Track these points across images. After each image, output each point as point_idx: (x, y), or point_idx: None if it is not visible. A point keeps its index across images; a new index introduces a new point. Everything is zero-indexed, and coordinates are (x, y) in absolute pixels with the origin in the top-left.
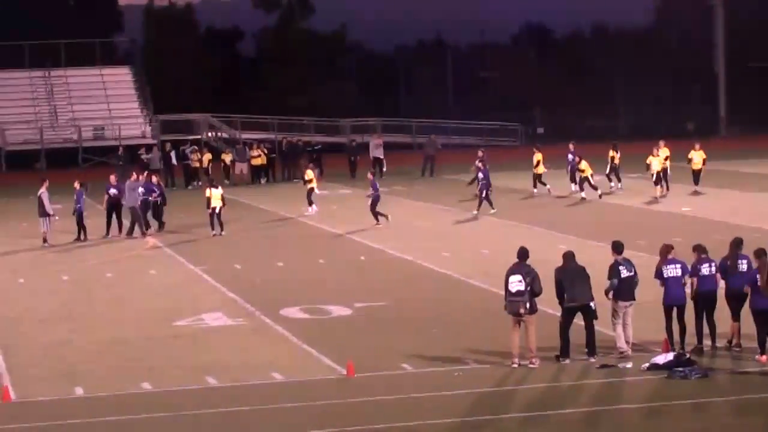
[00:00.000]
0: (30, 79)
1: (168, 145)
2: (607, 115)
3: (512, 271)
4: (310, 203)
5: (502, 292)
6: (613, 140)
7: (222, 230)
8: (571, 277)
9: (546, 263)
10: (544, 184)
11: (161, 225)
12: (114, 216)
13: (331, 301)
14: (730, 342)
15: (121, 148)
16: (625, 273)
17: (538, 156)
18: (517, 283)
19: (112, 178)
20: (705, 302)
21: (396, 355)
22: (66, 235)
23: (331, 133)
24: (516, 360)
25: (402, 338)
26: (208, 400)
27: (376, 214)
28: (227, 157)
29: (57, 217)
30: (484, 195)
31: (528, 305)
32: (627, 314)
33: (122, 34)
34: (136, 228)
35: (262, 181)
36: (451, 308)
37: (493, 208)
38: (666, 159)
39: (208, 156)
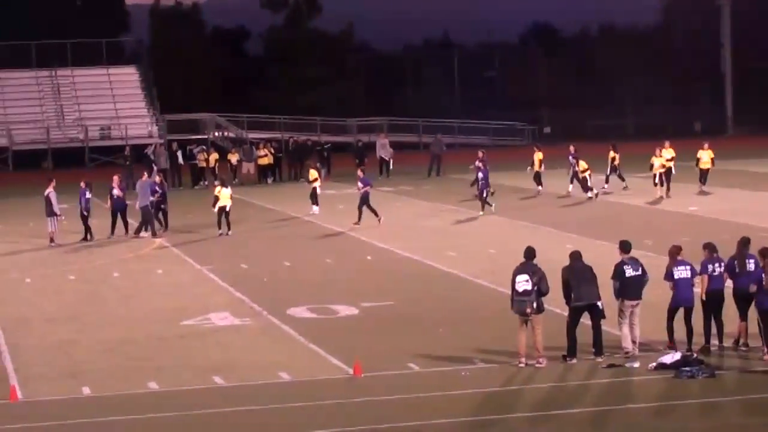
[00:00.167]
0: (37, 79)
1: (175, 145)
2: (614, 114)
3: (519, 270)
4: (315, 202)
5: (509, 292)
6: (613, 141)
7: (229, 230)
8: (578, 276)
9: (553, 263)
10: (540, 184)
11: (140, 228)
12: (119, 216)
13: (338, 301)
14: (737, 341)
15: (127, 148)
16: (630, 272)
17: (538, 155)
18: (523, 282)
19: (116, 179)
20: (713, 301)
21: (403, 355)
22: (73, 235)
23: (337, 132)
24: (523, 359)
25: (409, 338)
26: (215, 400)
27: (361, 212)
28: (233, 157)
29: (63, 217)
30: (484, 195)
31: (535, 305)
32: (634, 314)
33: (129, 34)
34: (145, 227)
35: (269, 180)
36: (458, 308)
37: (491, 207)
38: (671, 159)
39: (214, 156)
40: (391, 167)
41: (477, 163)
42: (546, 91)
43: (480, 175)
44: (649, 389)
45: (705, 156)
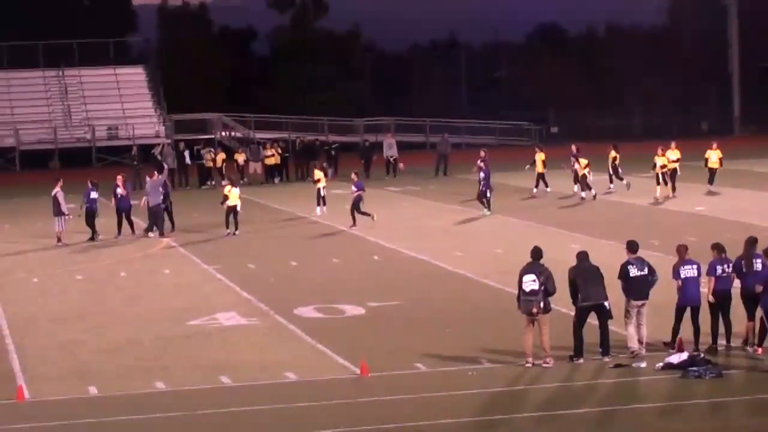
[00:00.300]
0: (44, 79)
1: (182, 145)
2: (621, 114)
3: (526, 270)
4: (318, 203)
5: (516, 292)
6: (613, 140)
7: (236, 230)
8: (584, 276)
9: (560, 263)
10: (537, 185)
11: (150, 227)
12: (124, 216)
13: (345, 301)
14: (745, 341)
15: (134, 148)
16: (634, 272)
17: (540, 156)
18: (530, 282)
19: (119, 179)
20: (720, 302)
21: (409, 355)
22: (80, 235)
23: (344, 132)
24: (530, 359)
25: (415, 338)
26: (221, 400)
27: (354, 215)
28: (240, 157)
29: (71, 216)
30: (487, 195)
31: (542, 305)
32: (640, 314)
33: (136, 34)
34: (155, 227)
35: (276, 180)
36: (464, 308)
37: (488, 210)
38: (676, 161)
39: (222, 155)
40: (397, 167)
41: (479, 162)
42: (553, 91)
43: (481, 175)
44: (656, 389)
45: (714, 156)
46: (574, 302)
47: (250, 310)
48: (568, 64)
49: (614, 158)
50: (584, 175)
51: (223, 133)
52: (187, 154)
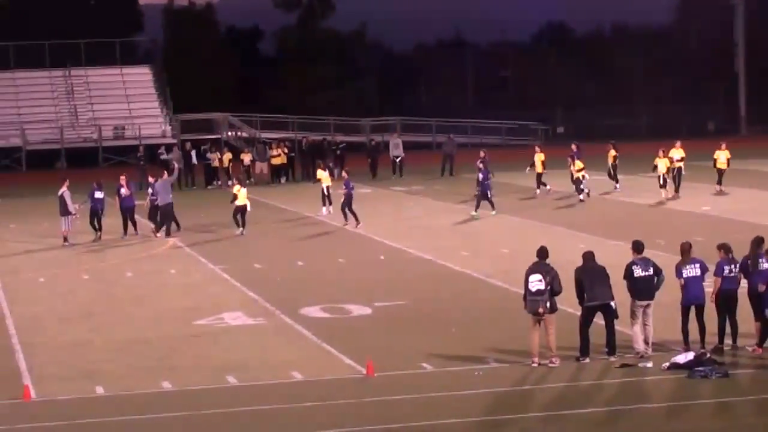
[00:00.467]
0: (50, 79)
1: (188, 145)
2: (628, 114)
3: (532, 270)
4: (324, 203)
5: (522, 292)
6: (612, 140)
7: (243, 230)
8: (591, 276)
9: (566, 263)
10: (539, 186)
11: (161, 227)
12: (128, 216)
13: (351, 301)
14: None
15: (141, 148)
16: (639, 272)
17: (540, 156)
18: (537, 282)
19: (122, 179)
20: (727, 302)
21: (416, 355)
22: (87, 235)
23: (350, 132)
24: (536, 359)
25: (422, 337)
26: (228, 400)
27: (345, 213)
28: (246, 157)
29: (78, 216)
30: (489, 195)
31: (548, 304)
32: (646, 314)
33: (142, 34)
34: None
35: (282, 180)
36: (470, 307)
37: (475, 212)
38: (681, 160)
39: (228, 155)
40: (402, 167)
41: (478, 163)
42: (559, 91)
43: (480, 175)
44: (662, 389)
45: (722, 156)
46: (581, 302)
47: (256, 310)
48: (575, 63)
49: (614, 158)
50: (577, 178)
51: (230, 133)
52: (193, 153)
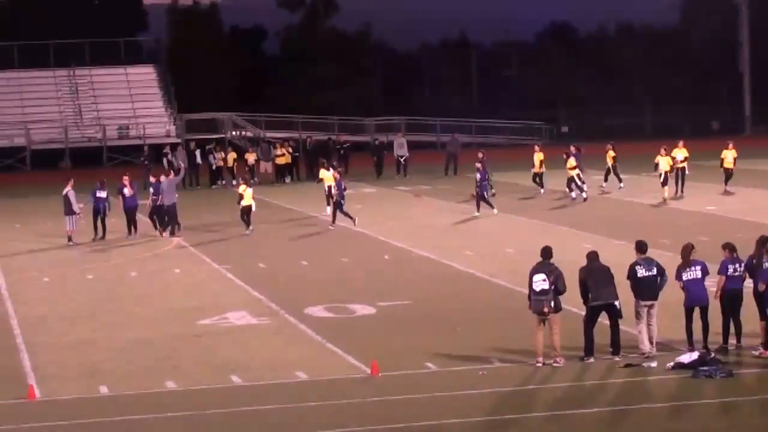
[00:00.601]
0: (55, 79)
1: (193, 144)
2: (632, 113)
3: (536, 269)
4: (329, 202)
5: (526, 291)
6: (611, 141)
7: (251, 228)
8: (595, 276)
9: (570, 263)
10: (538, 185)
11: (164, 227)
12: (131, 216)
13: (355, 300)
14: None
15: (146, 148)
16: (642, 273)
17: (539, 156)
18: (541, 281)
19: (126, 179)
20: (731, 301)
21: (420, 354)
22: (91, 235)
23: (355, 132)
24: (540, 359)
25: (426, 337)
26: (232, 399)
27: (335, 215)
28: (251, 157)
29: (82, 216)
30: (489, 195)
31: (552, 304)
32: (650, 314)
33: (146, 33)
34: (171, 225)
35: (287, 180)
36: (475, 307)
37: (478, 212)
38: (684, 160)
39: (232, 155)
40: (407, 167)
41: (477, 164)
42: (563, 90)
43: (478, 176)
44: (666, 389)
45: (729, 156)
46: (585, 302)
47: (260, 310)
48: (579, 63)
49: (613, 158)
50: (571, 177)
51: (234, 133)
52: (198, 153)
